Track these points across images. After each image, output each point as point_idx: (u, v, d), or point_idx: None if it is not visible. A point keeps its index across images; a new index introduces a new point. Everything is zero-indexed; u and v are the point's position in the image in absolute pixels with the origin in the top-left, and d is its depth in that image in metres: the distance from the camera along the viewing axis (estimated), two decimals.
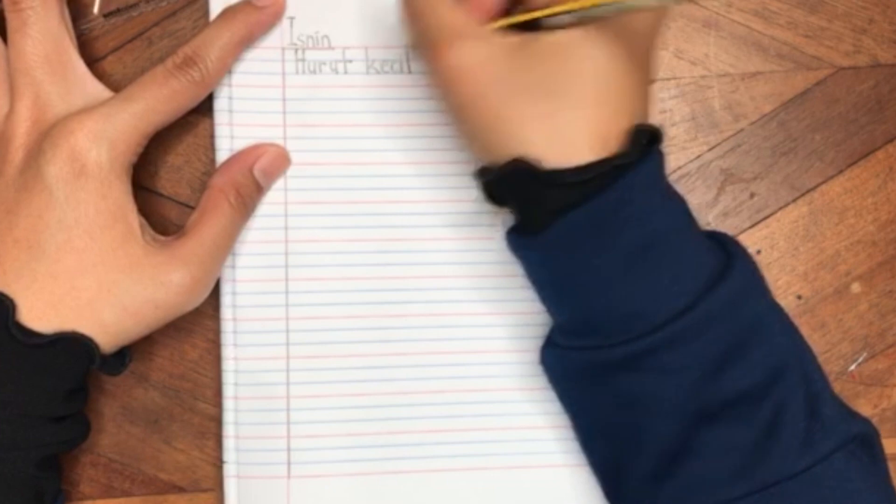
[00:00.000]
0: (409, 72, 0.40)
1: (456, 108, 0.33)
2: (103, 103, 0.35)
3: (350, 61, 0.40)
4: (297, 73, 0.40)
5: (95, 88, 0.37)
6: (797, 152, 0.42)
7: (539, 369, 0.39)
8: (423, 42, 0.34)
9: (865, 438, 0.33)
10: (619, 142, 0.32)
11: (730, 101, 0.42)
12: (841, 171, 0.42)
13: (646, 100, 0.33)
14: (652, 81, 0.35)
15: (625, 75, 0.32)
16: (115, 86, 0.37)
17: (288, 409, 0.39)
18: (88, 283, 0.34)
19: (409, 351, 0.40)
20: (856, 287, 0.42)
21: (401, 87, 0.40)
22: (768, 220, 0.42)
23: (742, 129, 0.42)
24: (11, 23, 0.36)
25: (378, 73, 0.40)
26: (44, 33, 0.35)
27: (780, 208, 0.42)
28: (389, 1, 0.39)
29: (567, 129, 0.31)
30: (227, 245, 0.37)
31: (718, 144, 0.42)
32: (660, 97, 0.42)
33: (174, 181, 0.40)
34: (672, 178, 0.40)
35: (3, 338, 0.33)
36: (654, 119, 0.37)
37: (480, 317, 0.40)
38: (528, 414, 0.40)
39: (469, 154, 0.36)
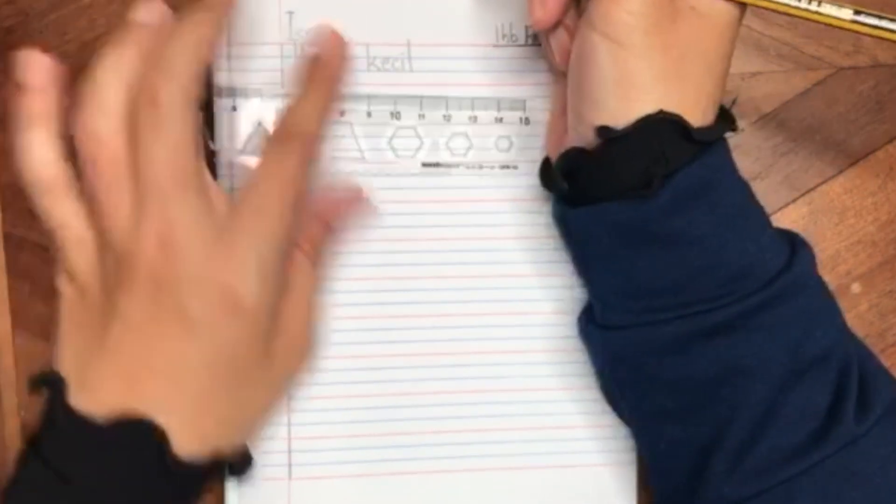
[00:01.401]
0: (412, 70, 0.39)
1: (596, 58, 0.33)
2: (240, 228, 0.32)
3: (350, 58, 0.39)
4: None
5: (220, 201, 0.33)
6: (797, 152, 0.42)
7: (538, 370, 0.39)
8: None
9: None
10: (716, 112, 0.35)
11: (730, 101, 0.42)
12: (841, 171, 0.42)
13: None
14: None
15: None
16: None
17: (288, 411, 0.39)
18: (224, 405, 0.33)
19: (410, 352, 0.39)
20: (856, 287, 0.42)
21: (403, 84, 0.39)
22: None
23: (742, 129, 0.42)
24: (144, 120, 0.31)
25: (379, 70, 0.39)
26: (179, 138, 0.31)
27: (780, 208, 0.42)
28: None
29: (704, 94, 0.33)
30: None
31: None
32: None
33: None
34: None
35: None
36: None
37: (484, 317, 0.40)
38: (529, 415, 0.40)
39: (583, 114, 0.34)
